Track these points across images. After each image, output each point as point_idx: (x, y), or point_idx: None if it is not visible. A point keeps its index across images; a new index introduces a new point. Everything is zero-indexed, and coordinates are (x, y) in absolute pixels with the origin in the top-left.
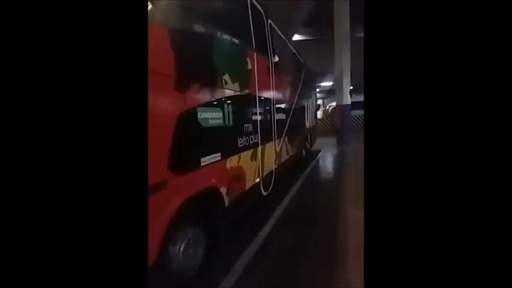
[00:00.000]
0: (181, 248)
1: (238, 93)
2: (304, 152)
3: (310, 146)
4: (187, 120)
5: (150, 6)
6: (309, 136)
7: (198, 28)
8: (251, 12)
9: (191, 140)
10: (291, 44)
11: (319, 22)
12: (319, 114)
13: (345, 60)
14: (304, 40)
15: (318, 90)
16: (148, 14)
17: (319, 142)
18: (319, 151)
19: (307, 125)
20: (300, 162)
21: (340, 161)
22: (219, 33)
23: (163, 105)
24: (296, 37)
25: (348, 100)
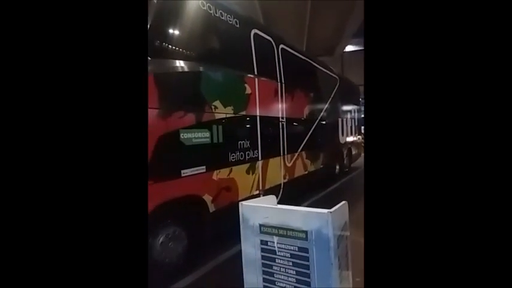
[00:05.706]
0: (160, 240)
1: (231, 115)
2: (338, 167)
3: (350, 161)
4: (167, 139)
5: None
6: (346, 152)
7: (186, 69)
8: (255, 44)
9: (171, 155)
10: (319, 63)
11: None
12: None
13: None
14: (358, 50)
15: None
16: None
17: None
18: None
19: (343, 140)
20: (331, 178)
21: None
22: (210, 70)
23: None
24: (349, 48)
25: None
